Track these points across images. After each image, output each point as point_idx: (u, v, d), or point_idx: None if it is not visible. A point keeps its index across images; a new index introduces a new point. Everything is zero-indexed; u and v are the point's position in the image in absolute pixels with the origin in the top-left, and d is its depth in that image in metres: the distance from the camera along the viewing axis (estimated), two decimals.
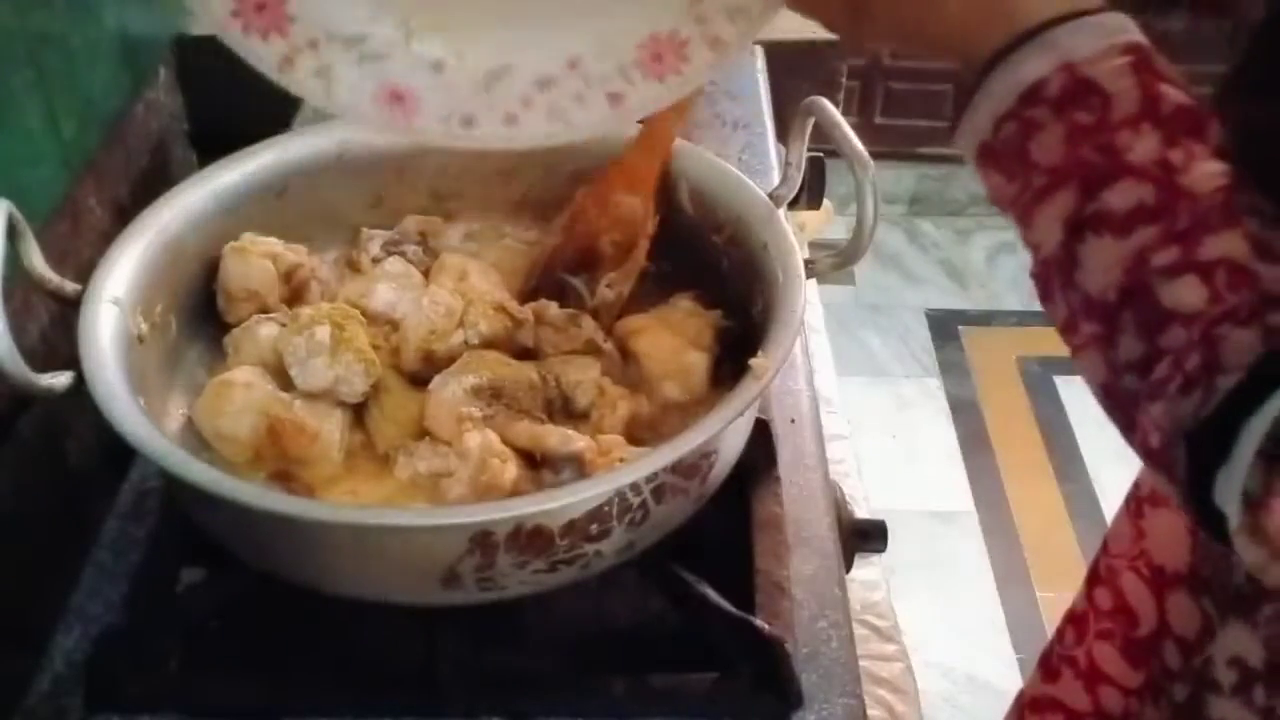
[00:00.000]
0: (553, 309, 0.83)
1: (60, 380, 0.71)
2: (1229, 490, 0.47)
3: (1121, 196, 0.52)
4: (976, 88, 0.56)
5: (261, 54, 0.65)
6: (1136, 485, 0.81)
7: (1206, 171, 0.51)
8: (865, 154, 0.77)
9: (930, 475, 2.34)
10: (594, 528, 0.68)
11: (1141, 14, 0.68)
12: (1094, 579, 0.83)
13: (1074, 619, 0.86)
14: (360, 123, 0.70)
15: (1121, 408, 0.53)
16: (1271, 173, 0.52)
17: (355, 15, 0.65)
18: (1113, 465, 2.22)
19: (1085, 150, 0.52)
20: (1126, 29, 0.54)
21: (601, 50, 0.65)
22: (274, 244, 0.86)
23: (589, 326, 0.82)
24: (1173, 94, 0.53)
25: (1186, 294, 0.50)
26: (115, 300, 0.76)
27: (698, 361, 0.80)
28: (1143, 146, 0.52)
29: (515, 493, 0.72)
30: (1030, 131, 0.54)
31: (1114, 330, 0.52)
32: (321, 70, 0.64)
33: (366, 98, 0.65)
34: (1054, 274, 0.55)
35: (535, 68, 0.66)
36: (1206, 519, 0.50)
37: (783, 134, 1.13)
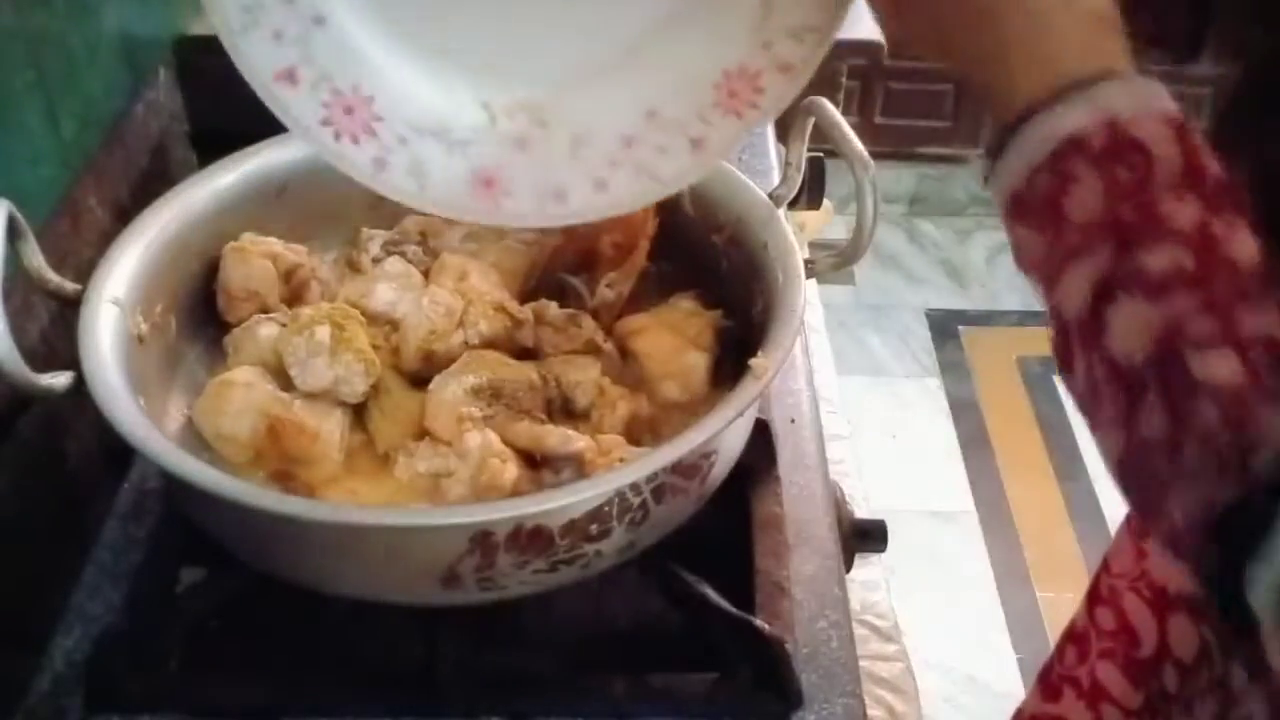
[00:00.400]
0: (553, 309, 0.83)
1: (60, 380, 0.71)
2: (1263, 584, 0.45)
3: (1160, 259, 0.49)
4: (1009, 135, 0.53)
5: (355, 159, 0.64)
6: None
7: (1247, 246, 0.50)
8: (865, 154, 0.77)
9: (930, 475, 2.34)
10: (594, 528, 0.68)
11: (1169, 60, 0.68)
12: (1096, 598, 0.83)
13: (1075, 637, 0.85)
14: (456, 215, 0.70)
15: (1142, 488, 0.51)
16: None
17: (436, 104, 0.64)
18: None
19: (1125, 209, 0.50)
20: (1163, 95, 0.53)
21: (677, 96, 0.65)
22: (274, 244, 0.86)
23: (589, 326, 0.82)
24: (1214, 166, 0.51)
25: (1221, 368, 0.47)
26: (115, 300, 0.76)
27: (698, 361, 0.80)
28: (1186, 213, 0.50)
29: (515, 493, 0.72)
30: (1067, 185, 0.51)
31: (1139, 401, 0.49)
32: (414, 167, 0.64)
33: (461, 187, 0.65)
34: (1076, 338, 0.52)
35: (616, 127, 0.65)
36: (1234, 614, 0.47)
37: (783, 134, 1.13)
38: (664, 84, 0.65)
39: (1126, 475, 0.51)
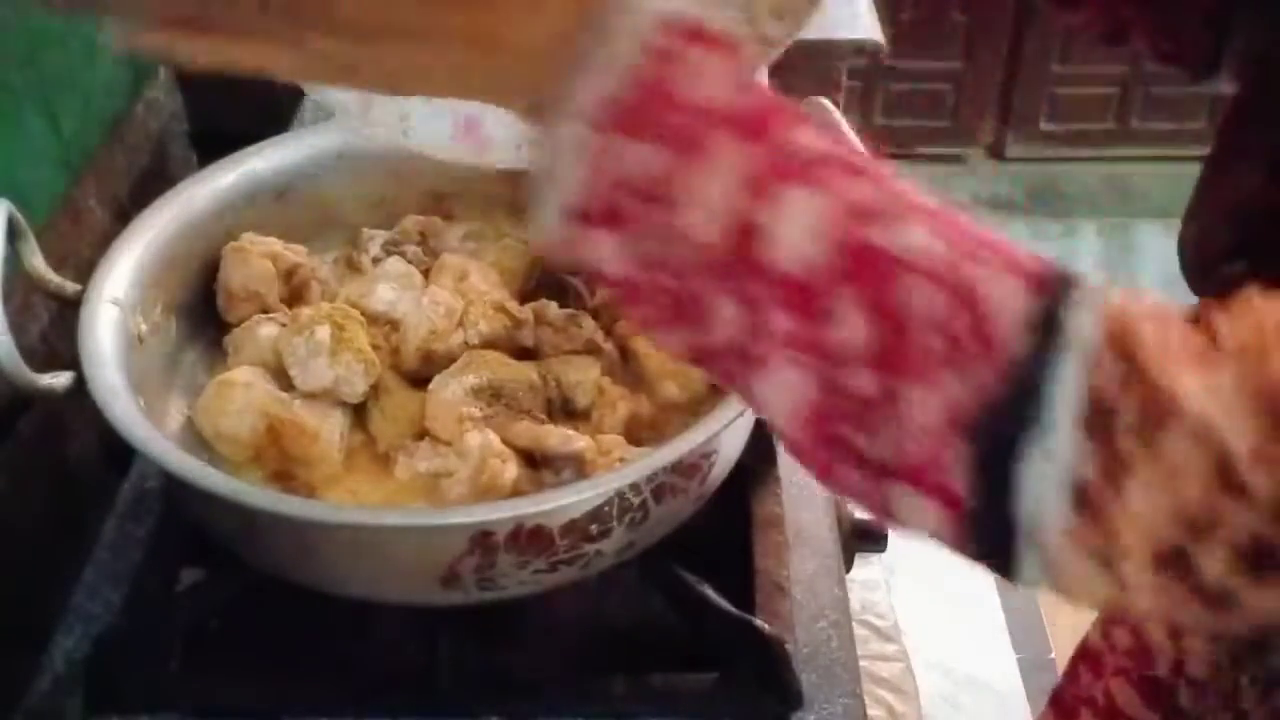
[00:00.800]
0: (553, 309, 0.83)
1: (60, 380, 0.71)
2: (1046, 485, 0.38)
3: (808, 139, 0.42)
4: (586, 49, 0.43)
5: (342, 95, 0.65)
6: None
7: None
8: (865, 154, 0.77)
9: None
10: (594, 528, 0.68)
11: (1188, 77, 0.67)
12: (1112, 618, 0.82)
13: (1088, 657, 0.84)
14: (441, 156, 0.71)
15: (853, 424, 0.41)
16: None
17: None
18: None
19: (755, 92, 0.43)
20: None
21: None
22: (274, 244, 0.86)
23: (589, 326, 0.82)
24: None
25: (922, 239, 0.40)
26: (115, 300, 0.76)
27: None
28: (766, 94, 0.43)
29: (515, 493, 0.72)
30: (673, 69, 0.42)
31: (827, 314, 0.40)
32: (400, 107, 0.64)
33: (444, 128, 0.65)
34: (720, 271, 0.42)
35: None
36: (997, 543, 0.40)
37: None
38: None
39: (821, 421, 0.42)
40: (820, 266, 0.40)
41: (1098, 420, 0.38)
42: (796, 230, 0.41)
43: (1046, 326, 0.39)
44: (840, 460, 0.42)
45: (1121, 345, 0.38)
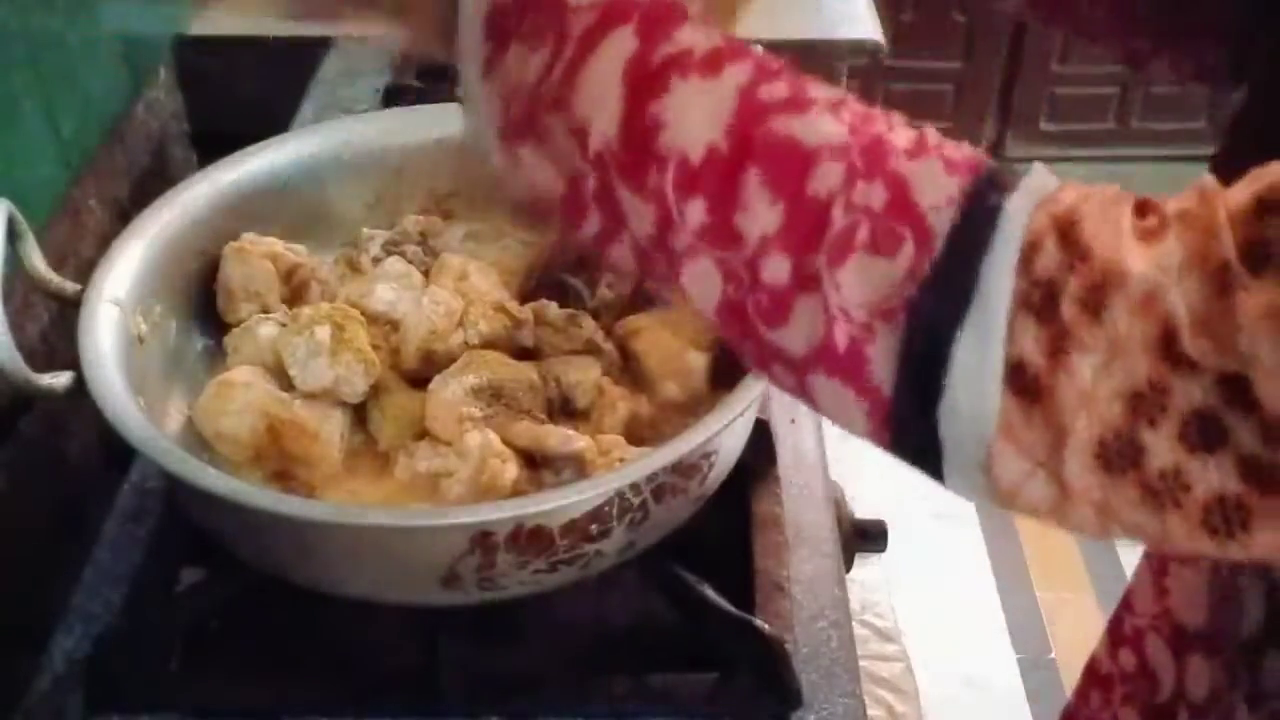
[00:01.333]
0: (553, 309, 0.83)
1: (60, 380, 0.71)
2: (983, 369, 0.36)
3: (703, 35, 0.41)
4: None
5: None
6: None
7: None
8: None
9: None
10: (594, 528, 0.68)
11: (1211, 92, 0.66)
12: (1118, 639, 0.80)
13: (1098, 681, 0.84)
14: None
15: (767, 315, 0.40)
16: None
17: None
18: None
19: None
20: None
21: None
22: (274, 244, 0.86)
23: (589, 326, 0.82)
24: None
25: (825, 125, 0.39)
26: (115, 300, 0.76)
27: (697, 361, 0.80)
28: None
29: (515, 493, 0.72)
30: None
31: (732, 200, 0.39)
32: None
33: None
34: (621, 164, 0.41)
35: None
36: (928, 441, 0.39)
37: None
38: None
39: (733, 313, 0.41)
40: (722, 154, 0.39)
41: (1039, 298, 0.36)
42: (695, 120, 0.40)
43: (981, 208, 0.37)
44: (764, 352, 0.41)
45: (1065, 226, 0.37)
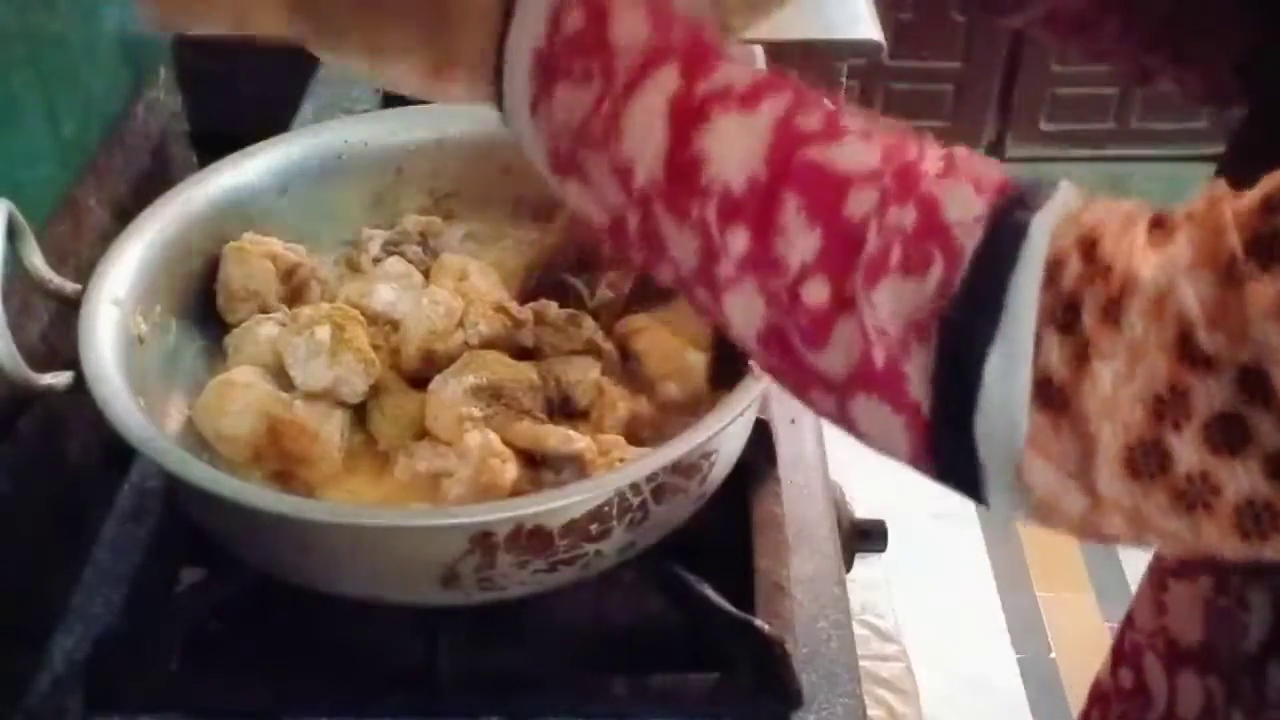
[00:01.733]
0: (553, 309, 0.83)
1: (60, 380, 0.71)
2: (1011, 383, 0.37)
3: (740, 70, 0.43)
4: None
5: None
6: (1158, 556, 0.75)
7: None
8: None
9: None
10: (594, 528, 0.68)
11: (1222, 111, 0.66)
12: (1119, 656, 0.80)
13: (1099, 699, 0.83)
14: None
15: (808, 338, 0.41)
16: None
17: None
18: None
19: (680, 27, 0.43)
20: None
21: None
22: (274, 244, 0.86)
23: (589, 326, 0.82)
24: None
25: (858, 153, 0.41)
26: (115, 300, 0.76)
27: (697, 361, 0.80)
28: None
29: (515, 493, 0.72)
30: (605, 13, 0.44)
31: (772, 228, 0.41)
32: None
33: None
34: (663, 194, 0.43)
35: None
36: (964, 460, 0.39)
37: None
38: None
39: (774, 338, 0.42)
40: (762, 183, 0.41)
41: (1063, 313, 0.37)
42: (736, 152, 0.41)
43: (1007, 226, 0.38)
44: (805, 377, 0.42)
45: (1087, 243, 0.38)
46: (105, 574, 0.80)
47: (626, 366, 0.82)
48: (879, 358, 0.39)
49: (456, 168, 0.95)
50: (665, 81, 0.43)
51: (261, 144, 0.91)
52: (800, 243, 0.40)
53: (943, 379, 0.39)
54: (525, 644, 0.79)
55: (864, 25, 1.34)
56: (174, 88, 1.20)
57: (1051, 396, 0.37)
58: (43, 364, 0.70)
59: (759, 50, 1.36)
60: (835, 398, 0.42)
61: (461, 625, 0.74)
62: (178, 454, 0.68)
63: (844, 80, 1.35)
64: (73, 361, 0.71)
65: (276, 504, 0.68)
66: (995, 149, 2.84)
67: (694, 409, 0.79)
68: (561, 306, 0.83)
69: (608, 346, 0.82)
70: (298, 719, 0.72)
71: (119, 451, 0.71)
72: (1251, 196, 0.37)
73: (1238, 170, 0.56)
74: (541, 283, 0.88)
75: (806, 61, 1.28)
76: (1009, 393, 0.38)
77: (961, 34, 2.66)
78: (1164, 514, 0.38)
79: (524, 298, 0.86)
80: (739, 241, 0.42)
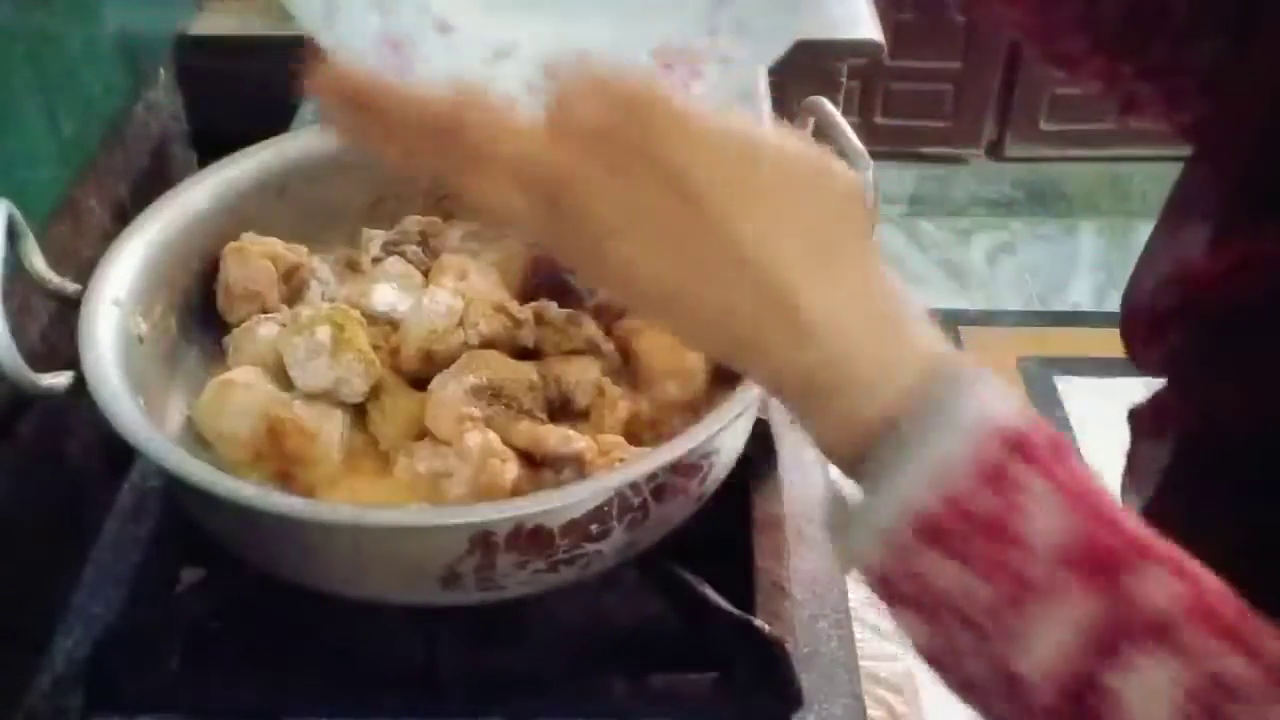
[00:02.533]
0: (553, 309, 0.83)
1: (60, 380, 0.71)
2: None
3: (1156, 588, 0.38)
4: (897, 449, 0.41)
5: None
6: None
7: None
8: (865, 153, 0.77)
9: None
10: (594, 528, 0.68)
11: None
12: None
13: None
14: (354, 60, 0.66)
15: None
16: None
17: None
18: (1113, 466, 2.22)
19: (1103, 532, 0.39)
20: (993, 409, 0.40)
21: (614, 50, 0.64)
22: (274, 244, 0.86)
23: (589, 326, 0.82)
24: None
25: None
26: (115, 300, 0.76)
27: (697, 361, 0.80)
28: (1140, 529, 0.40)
29: (515, 493, 0.72)
30: (1015, 501, 0.40)
31: None
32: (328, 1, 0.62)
33: (369, 42, 0.63)
34: (1051, 707, 0.39)
35: (542, 52, 0.64)
36: None
37: None
38: (606, 31, 0.64)
39: None
40: None
41: None
42: (1149, 701, 0.38)
43: None
44: None
45: None
46: (105, 574, 0.80)
47: (626, 366, 0.82)
48: None
49: None
50: (1071, 596, 0.38)
51: (261, 144, 0.91)
52: None
53: None
54: (525, 644, 0.79)
55: (864, 25, 1.34)
56: (174, 88, 1.20)
57: None
58: (43, 364, 0.70)
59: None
60: None
61: (461, 625, 0.74)
62: (178, 454, 0.68)
63: (844, 80, 1.35)
64: (73, 361, 0.71)
65: (276, 504, 0.68)
66: (995, 149, 2.84)
67: (694, 409, 0.79)
68: (561, 306, 0.84)
69: (608, 346, 0.82)
70: (298, 719, 0.72)
71: (119, 451, 0.71)
72: None
73: (1183, 199, 0.54)
74: (541, 283, 0.88)
75: (807, 61, 1.28)
76: None
77: (961, 34, 2.66)
78: None
79: (524, 298, 0.86)
80: None
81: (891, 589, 0.42)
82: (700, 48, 0.62)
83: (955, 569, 0.40)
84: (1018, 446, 0.40)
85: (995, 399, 0.41)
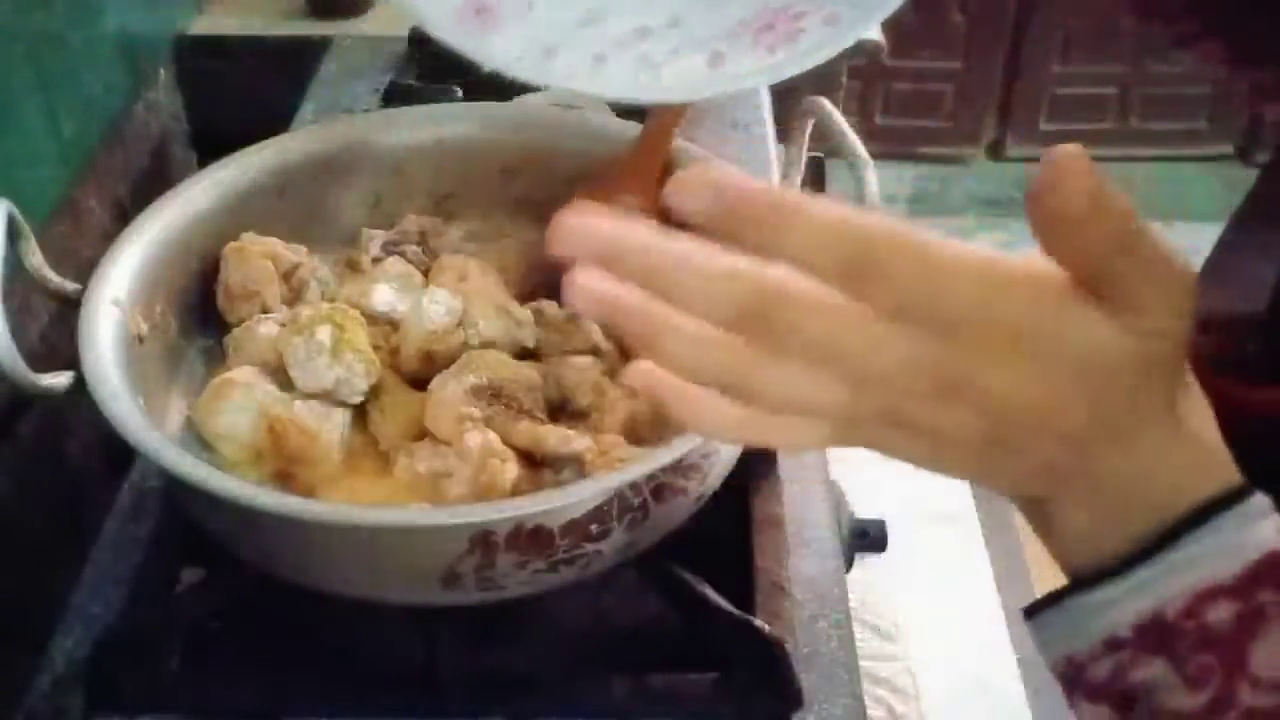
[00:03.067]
0: (553, 309, 0.83)
1: (60, 380, 0.71)
2: None
3: None
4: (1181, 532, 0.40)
5: None
6: None
7: None
8: (865, 153, 0.77)
9: (930, 475, 2.33)
10: (594, 528, 0.68)
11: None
12: None
13: None
14: (436, 34, 0.60)
15: None
16: None
17: None
18: None
19: None
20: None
21: (709, 11, 0.61)
22: (274, 244, 0.86)
23: (589, 326, 0.82)
24: None
25: None
26: (115, 300, 0.76)
27: None
28: None
29: (515, 493, 0.72)
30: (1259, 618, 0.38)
31: None
32: None
33: (449, 7, 0.61)
34: None
35: (637, 17, 0.62)
36: None
37: (783, 134, 1.13)
38: None
39: None
40: None
41: None
42: None
43: None
44: None
45: None
46: (105, 574, 0.80)
47: (626, 367, 0.82)
48: None
49: (456, 168, 0.95)
50: None
51: (261, 144, 0.91)
52: None
53: None
54: (525, 644, 0.79)
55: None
56: (174, 88, 1.20)
57: None
58: (43, 364, 0.70)
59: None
60: None
61: (461, 625, 0.74)
62: (178, 454, 0.68)
63: (844, 80, 1.35)
64: (73, 361, 0.71)
65: (276, 504, 0.68)
66: (995, 149, 2.84)
67: None
68: (561, 306, 0.84)
69: (608, 346, 0.82)
70: (297, 719, 0.72)
71: (119, 451, 0.71)
72: None
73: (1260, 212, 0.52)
74: (541, 283, 0.88)
75: None
76: None
77: (961, 34, 2.66)
78: None
79: (524, 298, 0.86)
80: None
81: (1078, 673, 0.43)
82: (803, 7, 0.58)
83: (1159, 666, 0.39)
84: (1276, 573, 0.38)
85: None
